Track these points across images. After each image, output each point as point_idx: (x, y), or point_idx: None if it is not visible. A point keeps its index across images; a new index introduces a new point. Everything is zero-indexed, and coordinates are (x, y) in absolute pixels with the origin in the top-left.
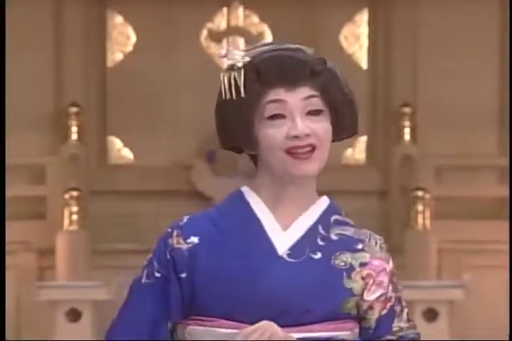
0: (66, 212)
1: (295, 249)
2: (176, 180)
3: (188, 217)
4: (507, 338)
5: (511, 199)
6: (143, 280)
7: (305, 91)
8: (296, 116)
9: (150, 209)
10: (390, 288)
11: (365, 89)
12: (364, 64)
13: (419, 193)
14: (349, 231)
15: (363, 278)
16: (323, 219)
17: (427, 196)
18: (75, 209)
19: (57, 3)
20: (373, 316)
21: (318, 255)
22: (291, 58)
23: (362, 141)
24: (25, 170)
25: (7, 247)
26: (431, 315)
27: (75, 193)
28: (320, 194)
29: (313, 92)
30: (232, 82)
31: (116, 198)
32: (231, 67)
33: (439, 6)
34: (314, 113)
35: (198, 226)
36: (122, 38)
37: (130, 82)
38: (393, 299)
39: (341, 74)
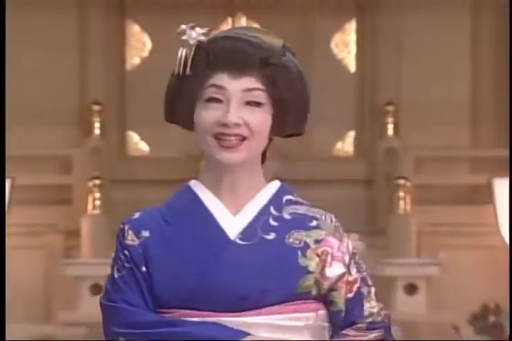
0: (90, 198)
1: (247, 232)
2: (187, 170)
3: (139, 212)
4: (476, 309)
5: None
6: (115, 275)
7: (249, 82)
8: (231, 104)
9: (164, 196)
10: (354, 269)
11: (353, 90)
12: (352, 67)
13: (401, 181)
14: (302, 210)
15: (318, 255)
16: (275, 200)
17: (408, 184)
18: (97, 195)
19: (82, 13)
20: (340, 298)
21: (272, 235)
22: (243, 45)
23: (350, 135)
24: (53, 160)
25: (38, 229)
26: (411, 289)
27: (97, 181)
28: (315, 182)
29: (258, 85)
30: (183, 59)
31: (134, 186)
32: (185, 43)
33: (419, 16)
34: (254, 104)
35: (148, 220)
36: (139, 44)
37: (146, 83)
38: (359, 280)
39: (299, 71)
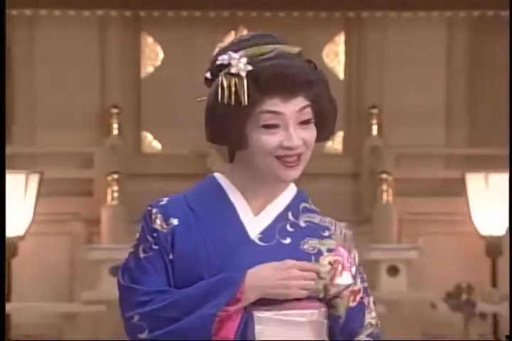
0: (109, 191)
1: (266, 233)
2: (195, 165)
3: (167, 198)
4: (451, 289)
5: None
6: (141, 255)
7: (300, 101)
8: (290, 127)
9: (174, 188)
10: (359, 279)
11: (342, 95)
12: (341, 75)
13: (384, 176)
14: (316, 219)
15: (330, 263)
16: (293, 206)
17: (390, 178)
18: (115, 188)
19: (102, 28)
20: (342, 306)
21: (288, 240)
22: (290, 68)
23: (339, 135)
24: (77, 157)
25: (63, 217)
26: (393, 271)
27: (115, 176)
28: (308, 176)
29: (307, 102)
30: (233, 88)
31: (147, 180)
32: (232, 73)
33: (400, 31)
34: (305, 122)
35: (177, 208)
36: (153, 54)
37: (159, 89)
38: (362, 290)
39: (327, 81)
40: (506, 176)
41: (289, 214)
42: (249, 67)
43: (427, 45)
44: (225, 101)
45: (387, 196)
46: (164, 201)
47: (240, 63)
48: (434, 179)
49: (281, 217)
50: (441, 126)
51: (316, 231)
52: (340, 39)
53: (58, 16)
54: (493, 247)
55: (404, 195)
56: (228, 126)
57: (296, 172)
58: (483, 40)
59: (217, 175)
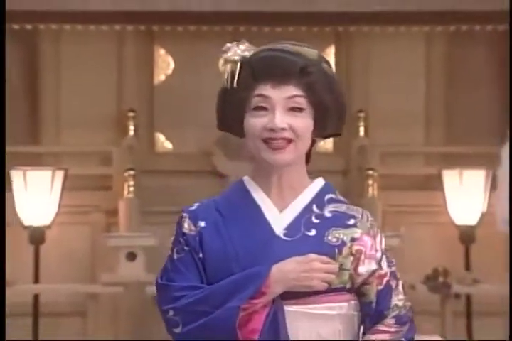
0: (125, 185)
1: (291, 228)
2: (202, 163)
3: (198, 203)
4: (428, 272)
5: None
6: (175, 257)
7: (290, 90)
8: (276, 110)
9: (183, 183)
10: (385, 263)
11: None
12: None
13: (370, 172)
14: (342, 208)
15: (352, 254)
16: (318, 198)
17: (375, 174)
18: (131, 183)
19: (119, 41)
20: (372, 291)
21: (313, 232)
22: (282, 58)
23: None
24: (97, 155)
25: (85, 209)
26: None
27: (131, 172)
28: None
29: (298, 92)
30: (230, 73)
31: (160, 176)
32: (231, 59)
33: (384, 43)
34: (297, 110)
35: (205, 212)
36: (164, 64)
37: (170, 95)
38: (388, 274)
39: (335, 77)
40: (479, 172)
41: (314, 206)
42: (246, 53)
43: (408, 56)
44: (226, 85)
45: (372, 190)
46: (195, 206)
47: (237, 50)
48: (415, 175)
49: (306, 210)
50: (420, 128)
51: (341, 219)
52: (331, 51)
53: (80, 30)
54: (466, 235)
55: (387, 189)
56: (230, 111)
57: (282, 157)
58: (458, 52)
59: (245, 178)
